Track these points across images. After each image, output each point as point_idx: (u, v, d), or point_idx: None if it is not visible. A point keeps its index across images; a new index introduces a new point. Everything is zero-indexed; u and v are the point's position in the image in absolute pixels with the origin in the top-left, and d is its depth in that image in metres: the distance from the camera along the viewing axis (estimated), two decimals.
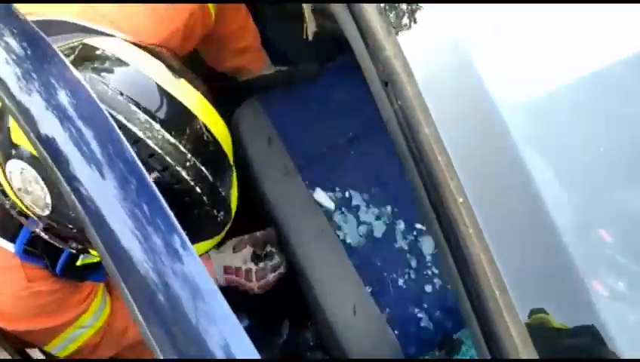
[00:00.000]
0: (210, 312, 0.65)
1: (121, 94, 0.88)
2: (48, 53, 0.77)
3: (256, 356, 0.64)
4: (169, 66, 0.95)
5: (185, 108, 0.93)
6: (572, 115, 0.88)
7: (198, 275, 0.66)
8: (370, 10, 0.87)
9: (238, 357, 0.64)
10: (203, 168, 0.92)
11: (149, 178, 0.71)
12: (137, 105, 0.88)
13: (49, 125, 0.72)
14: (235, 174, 1.01)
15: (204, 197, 0.92)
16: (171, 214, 0.69)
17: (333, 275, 1.41)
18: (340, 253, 1.42)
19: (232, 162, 1.00)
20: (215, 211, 0.95)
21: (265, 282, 1.49)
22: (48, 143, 0.71)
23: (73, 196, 0.69)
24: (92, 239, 0.68)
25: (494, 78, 0.84)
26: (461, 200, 0.80)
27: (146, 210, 0.69)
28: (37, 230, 1.03)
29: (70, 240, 1.03)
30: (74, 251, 1.06)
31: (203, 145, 0.93)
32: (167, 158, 0.88)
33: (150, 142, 0.88)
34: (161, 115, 0.90)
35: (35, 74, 0.75)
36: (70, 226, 0.93)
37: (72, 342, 1.24)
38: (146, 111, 0.89)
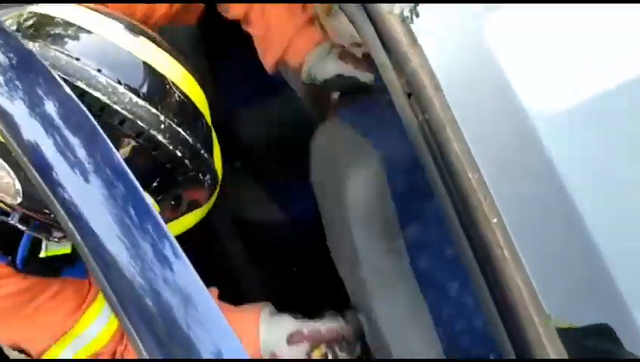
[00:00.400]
0: (202, 319, 0.65)
1: (78, 59, 0.83)
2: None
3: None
4: (128, 27, 0.90)
5: (150, 67, 0.87)
6: (608, 124, 0.83)
7: (189, 283, 0.65)
8: (392, 19, 0.83)
9: None
10: (180, 129, 0.86)
11: (137, 183, 0.69)
12: (97, 69, 0.83)
13: (31, 130, 0.70)
14: (214, 135, 0.95)
15: (187, 161, 0.87)
16: (161, 222, 0.67)
17: None
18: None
19: (210, 123, 0.93)
20: (201, 175, 0.90)
21: None
22: (31, 149, 0.69)
23: (56, 202, 0.67)
24: (76, 245, 0.67)
25: (526, 87, 0.79)
26: (495, 220, 0.75)
27: (134, 216, 0.68)
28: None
29: (52, 230, 0.94)
30: (56, 240, 0.96)
31: (176, 105, 0.87)
32: (139, 122, 0.83)
33: (117, 107, 0.82)
34: (125, 77, 0.84)
35: (19, 82, 0.73)
36: (47, 212, 0.87)
37: (74, 353, 1.12)
38: (107, 74, 0.83)
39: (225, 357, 0.64)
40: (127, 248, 0.66)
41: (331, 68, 1.19)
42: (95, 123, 0.72)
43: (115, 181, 0.69)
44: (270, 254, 1.93)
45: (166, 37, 1.40)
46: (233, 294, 1.86)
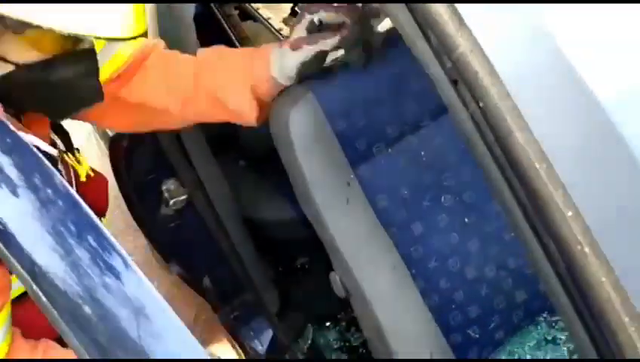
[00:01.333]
0: (157, 332, 0.67)
1: None
2: None
3: None
4: None
5: None
6: None
7: (142, 295, 0.67)
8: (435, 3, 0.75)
9: None
10: None
11: (78, 197, 0.73)
12: None
13: None
14: None
15: None
16: (108, 235, 0.71)
17: (407, 323, 1.26)
18: (409, 287, 1.27)
19: None
20: None
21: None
22: None
23: None
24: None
25: (590, 66, 0.72)
26: (570, 213, 0.68)
27: (72, 228, 0.71)
28: None
29: None
30: None
31: None
32: None
33: None
34: None
35: None
36: None
37: None
38: None
39: None
40: (61, 257, 0.68)
41: (292, 62, 1.17)
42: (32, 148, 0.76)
43: (54, 197, 0.73)
44: (280, 252, 1.89)
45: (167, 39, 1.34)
46: (247, 293, 1.79)
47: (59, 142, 1.18)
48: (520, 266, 1.31)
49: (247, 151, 1.89)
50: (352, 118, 1.21)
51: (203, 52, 1.29)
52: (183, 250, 1.99)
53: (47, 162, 0.76)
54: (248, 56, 1.23)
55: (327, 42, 1.14)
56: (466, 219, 1.31)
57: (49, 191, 0.74)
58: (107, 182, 1.32)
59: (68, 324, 0.67)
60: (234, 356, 2.18)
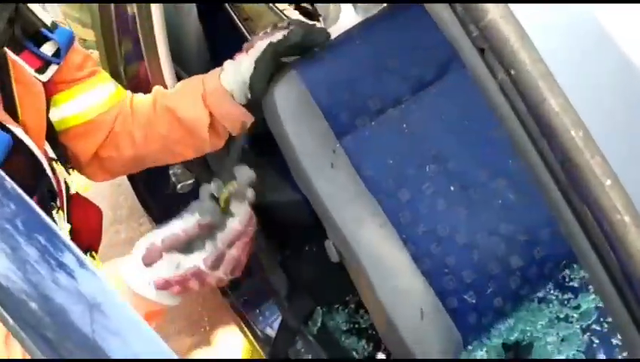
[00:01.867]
0: (112, 325, 0.66)
1: None
2: None
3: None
4: None
5: None
6: None
7: (98, 292, 0.67)
8: None
9: None
10: None
11: (28, 198, 0.72)
12: None
13: None
14: None
15: None
16: (60, 235, 0.70)
17: (398, 279, 1.27)
18: (400, 249, 1.29)
19: None
20: None
21: None
22: None
23: None
24: None
25: (626, 30, 0.70)
26: (609, 182, 0.66)
27: (20, 226, 0.69)
28: None
29: None
30: None
31: None
32: None
33: None
34: None
35: None
36: None
37: None
38: None
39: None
40: (6, 254, 0.67)
41: (246, 62, 1.22)
42: None
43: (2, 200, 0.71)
44: (288, 235, 1.89)
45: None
46: (255, 277, 1.78)
47: (49, 149, 1.17)
48: (513, 232, 1.32)
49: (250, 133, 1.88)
50: (334, 92, 1.27)
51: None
52: None
53: None
54: (202, 74, 1.29)
55: (275, 34, 1.21)
56: (452, 188, 1.33)
57: None
58: (101, 215, 1.33)
59: (15, 321, 0.66)
60: (243, 340, 2.16)
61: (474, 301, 1.30)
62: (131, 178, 2.00)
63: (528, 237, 1.31)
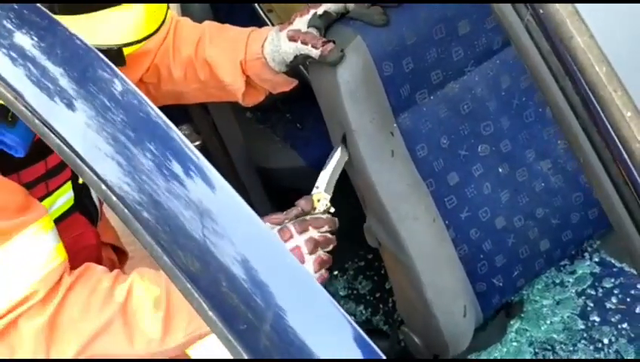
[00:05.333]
0: (222, 231, 0.68)
1: None
2: None
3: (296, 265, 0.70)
4: None
5: None
6: None
7: (209, 200, 0.70)
8: None
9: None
10: None
11: (149, 105, 0.75)
12: None
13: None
14: None
15: None
16: (178, 140, 0.74)
17: (447, 279, 1.28)
18: (448, 246, 1.29)
19: None
20: None
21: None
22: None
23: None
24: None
25: None
26: (629, 113, 0.70)
27: (132, 136, 0.73)
28: None
29: None
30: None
31: None
32: None
33: None
34: None
35: None
36: None
37: None
38: None
39: (251, 263, 0.67)
40: (119, 165, 0.71)
41: (284, 48, 1.20)
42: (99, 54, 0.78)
43: (114, 107, 0.74)
44: (292, 201, 1.92)
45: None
46: None
47: None
48: (547, 215, 1.33)
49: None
50: (399, 62, 1.19)
51: (209, 23, 1.35)
52: None
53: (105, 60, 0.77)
54: (245, 33, 1.27)
55: (313, 51, 1.16)
56: (500, 169, 1.32)
57: (105, 100, 0.76)
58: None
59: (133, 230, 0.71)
60: None
61: (500, 284, 1.31)
62: None
63: (560, 221, 1.32)
